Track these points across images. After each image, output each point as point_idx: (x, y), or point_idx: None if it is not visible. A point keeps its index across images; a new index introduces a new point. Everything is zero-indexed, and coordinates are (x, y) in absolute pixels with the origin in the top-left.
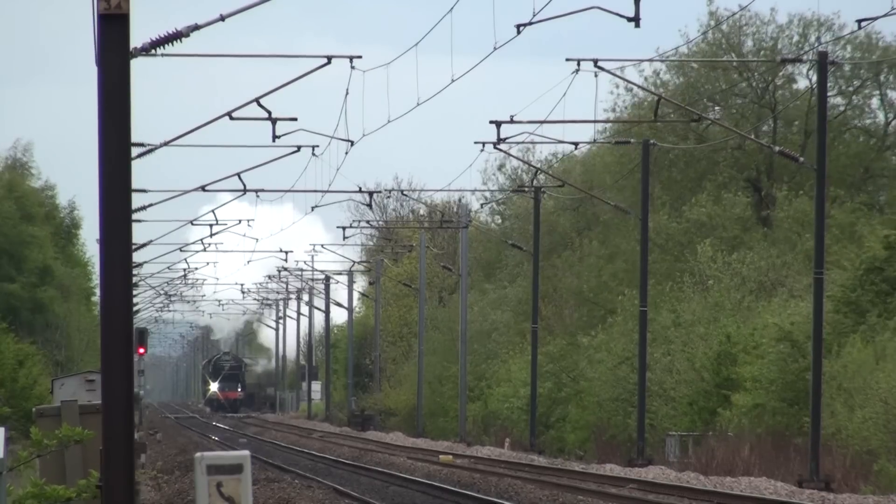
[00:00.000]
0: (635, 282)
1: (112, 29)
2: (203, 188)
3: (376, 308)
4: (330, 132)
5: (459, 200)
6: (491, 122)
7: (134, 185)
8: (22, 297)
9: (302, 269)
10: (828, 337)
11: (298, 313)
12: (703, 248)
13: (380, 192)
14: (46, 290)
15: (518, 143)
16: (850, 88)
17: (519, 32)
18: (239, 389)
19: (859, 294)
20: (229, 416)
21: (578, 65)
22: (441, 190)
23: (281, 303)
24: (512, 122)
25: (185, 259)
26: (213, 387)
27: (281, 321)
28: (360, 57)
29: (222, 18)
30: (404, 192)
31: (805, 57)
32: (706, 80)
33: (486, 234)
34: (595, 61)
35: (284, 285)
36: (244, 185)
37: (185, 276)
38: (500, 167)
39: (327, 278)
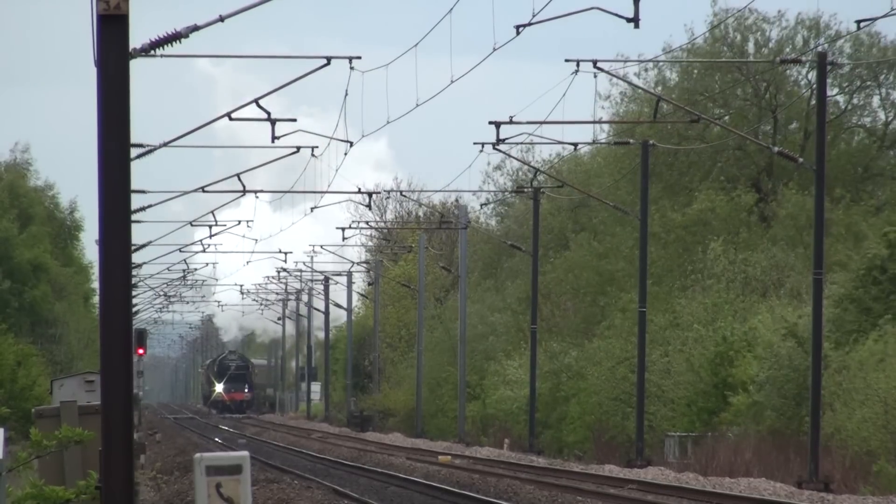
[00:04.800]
0: (633, 282)
1: (111, 29)
2: (203, 189)
3: (375, 309)
4: (329, 133)
5: (456, 201)
6: (490, 122)
7: (133, 186)
8: (8, 295)
9: (301, 270)
10: (831, 335)
11: (297, 314)
12: (713, 246)
13: (379, 192)
14: (38, 288)
15: (517, 143)
16: (851, 87)
17: (518, 33)
18: (246, 390)
19: (862, 293)
20: (228, 416)
21: (578, 65)
22: (440, 191)
23: (280, 303)
24: (511, 122)
25: (185, 260)
26: (219, 387)
27: (280, 322)
28: (359, 58)
29: (221, 19)
30: (403, 193)
31: (804, 58)
32: (707, 79)
33: (485, 235)
34: (594, 62)
35: (284, 286)
36: (243, 186)
37: (184, 276)
38: (495, 169)
39: (326, 279)
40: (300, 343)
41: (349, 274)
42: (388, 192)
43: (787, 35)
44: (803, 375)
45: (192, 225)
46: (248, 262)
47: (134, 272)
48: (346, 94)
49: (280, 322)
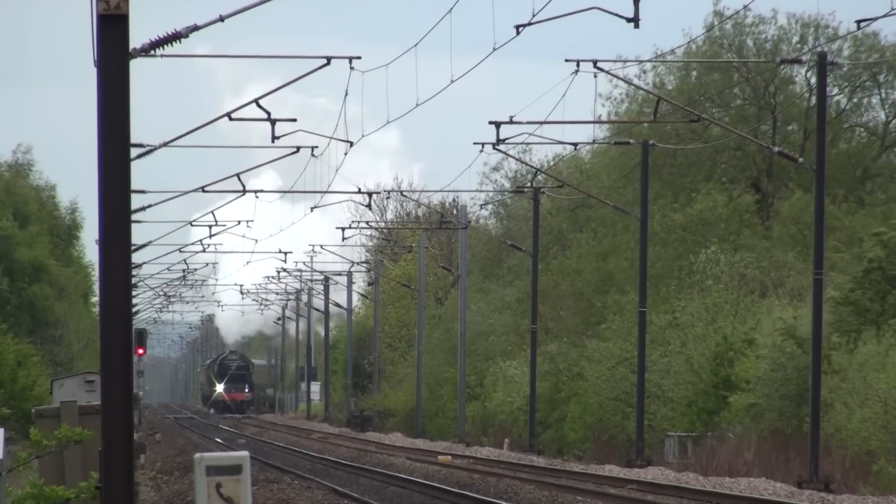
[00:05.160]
0: (634, 281)
1: (111, 30)
2: (203, 189)
3: (375, 309)
4: (329, 133)
5: (454, 200)
6: (490, 122)
7: (133, 186)
8: (8, 295)
9: (301, 270)
10: (831, 336)
11: (297, 314)
12: (707, 250)
13: (379, 192)
14: (39, 288)
15: (517, 143)
16: (851, 87)
17: (518, 33)
18: (247, 390)
19: (859, 295)
20: (228, 416)
21: (578, 65)
22: (440, 191)
23: (280, 304)
24: (511, 122)
25: (185, 260)
26: (219, 388)
27: (280, 322)
28: (359, 58)
29: (221, 19)
30: (403, 193)
31: (804, 58)
32: (707, 80)
33: (485, 235)
34: (594, 62)
35: (284, 287)
36: (243, 186)
37: (184, 276)
38: (493, 170)
39: (326, 279)
40: (300, 343)
41: (349, 274)
42: (389, 192)
43: (784, 34)
44: (803, 375)
45: (191, 225)
46: (248, 262)
47: (134, 272)
48: (346, 94)
49: (280, 322)
